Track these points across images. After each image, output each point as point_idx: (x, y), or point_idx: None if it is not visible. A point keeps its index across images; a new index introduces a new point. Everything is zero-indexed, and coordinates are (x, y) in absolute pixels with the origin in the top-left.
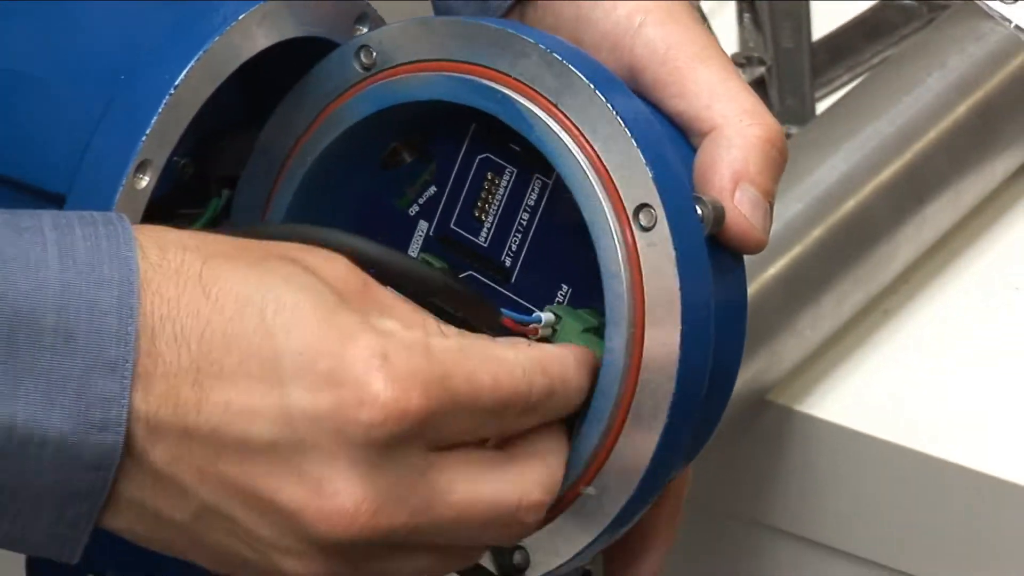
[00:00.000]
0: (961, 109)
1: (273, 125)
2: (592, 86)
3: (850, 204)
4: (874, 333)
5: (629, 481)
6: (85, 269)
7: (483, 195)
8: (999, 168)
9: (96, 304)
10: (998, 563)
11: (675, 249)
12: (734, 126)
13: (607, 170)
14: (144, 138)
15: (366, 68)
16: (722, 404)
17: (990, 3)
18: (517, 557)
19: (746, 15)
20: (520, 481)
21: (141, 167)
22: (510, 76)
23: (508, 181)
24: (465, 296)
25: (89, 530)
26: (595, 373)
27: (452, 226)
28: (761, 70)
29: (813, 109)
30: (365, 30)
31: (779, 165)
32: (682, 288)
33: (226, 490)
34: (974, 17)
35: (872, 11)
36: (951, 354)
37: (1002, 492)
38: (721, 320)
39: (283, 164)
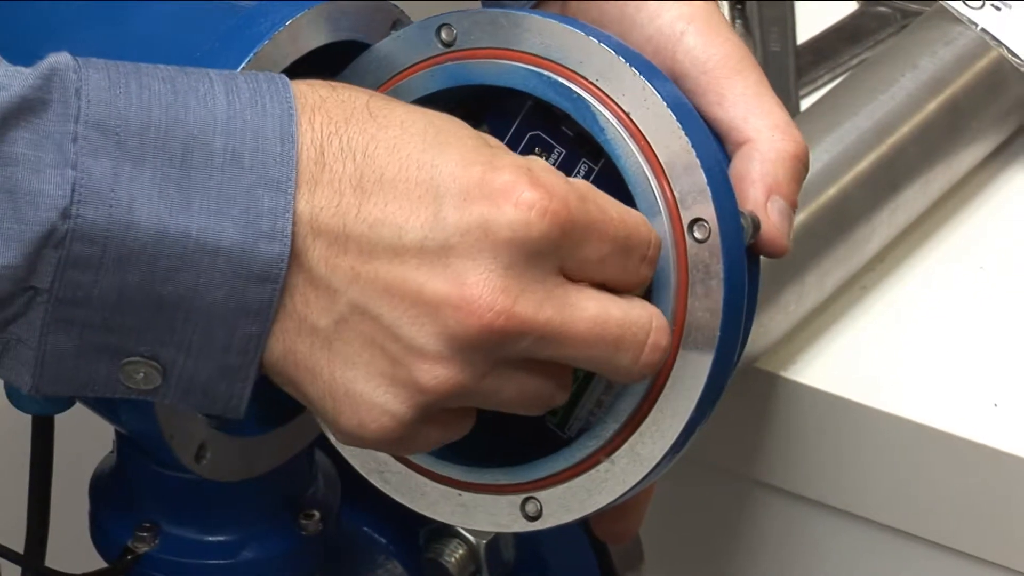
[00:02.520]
0: (931, 106)
1: (344, 81)
2: (663, 101)
3: (831, 191)
4: (852, 307)
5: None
6: (249, 103)
7: None
8: (965, 160)
9: (260, 130)
10: (965, 514)
11: (723, 261)
12: (767, 141)
13: (670, 183)
14: None
15: (446, 44)
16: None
17: (958, 6)
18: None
19: (737, 21)
20: (649, 309)
21: None
22: (586, 79)
23: (556, 160)
24: None
25: (257, 363)
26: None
27: None
28: None
29: (797, 106)
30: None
31: (803, 177)
32: (724, 296)
33: (374, 287)
34: (944, 23)
35: (851, 18)
36: (921, 326)
37: (962, 448)
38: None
39: None
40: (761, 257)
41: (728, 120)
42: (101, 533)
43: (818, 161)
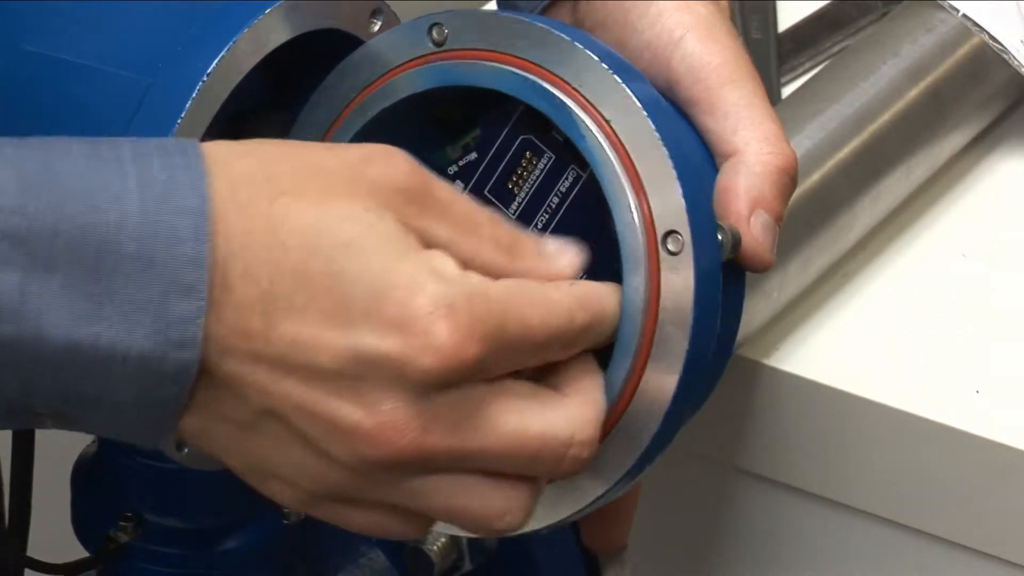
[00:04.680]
0: (913, 93)
1: (333, 80)
2: (644, 110)
3: (813, 178)
4: (835, 295)
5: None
6: (163, 199)
7: (519, 171)
8: (946, 147)
9: (174, 231)
10: (947, 502)
11: (694, 275)
12: (755, 154)
13: (645, 192)
14: (179, 121)
15: (437, 44)
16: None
17: None
18: None
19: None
20: (572, 417)
21: None
22: (570, 85)
23: (545, 165)
24: None
25: (168, 429)
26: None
27: (486, 192)
28: None
29: (779, 93)
30: (380, 23)
31: (791, 191)
32: (695, 309)
33: (286, 404)
34: (925, 10)
35: (832, 5)
36: (904, 314)
37: (944, 435)
38: (722, 328)
39: (339, 116)
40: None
41: (718, 130)
42: (83, 522)
43: (800, 148)
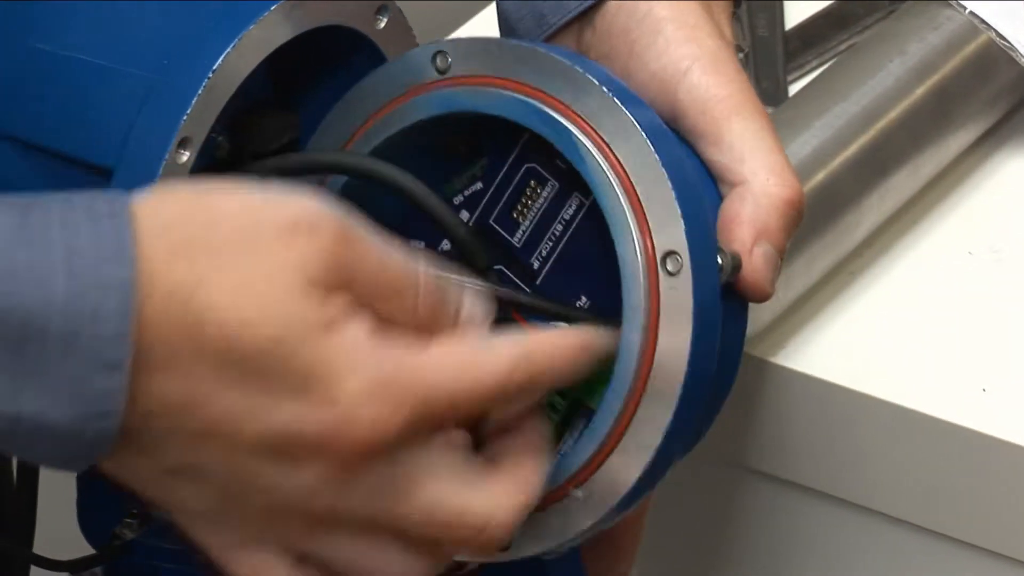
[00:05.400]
0: (919, 91)
1: (341, 107)
2: (644, 134)
3: (820, 176)
4: (841, 293)
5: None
6: (90, 273)
7: (524, 199)
8: (953, 145)
9: (98, 310)
10: (953, 500)
11: (693, 296)
12: (761, 185)
13: (645, 214)
14: (185, 117)
15: (440, 72)
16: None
17: None
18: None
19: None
20: (494, 500)
21: (182, 143)
22: (572, 110)
23: (549, 193)
24: (478, 255)
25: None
26: (596, 352)
27: (491, 221)
28: (740, 56)
29: (786, 91)
30: (385, 20)
31: (796, 224)
32: (694, 331)
33: (207, 466)
34: (932, 8)
35: (839, 3)
36: (910, 312)
37: (950, 432)
38: (723, 349)
39: (347, 141)
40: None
41: (724, 161)
42: (89, 519)
43: (806, 146)
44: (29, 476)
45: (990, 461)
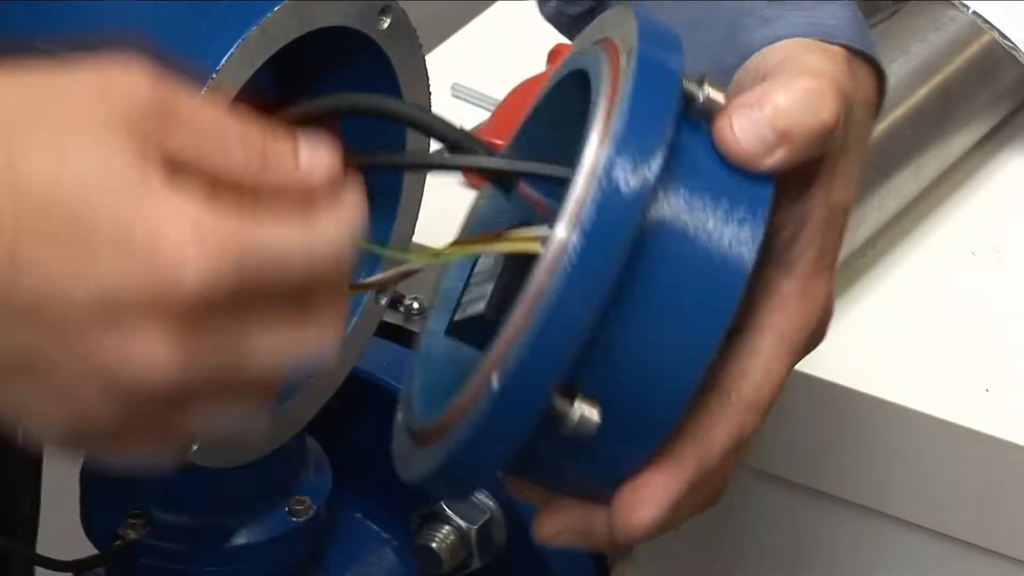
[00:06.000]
0: (923, 92)
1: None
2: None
3: None
4: (844, 293)
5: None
6: None
7: None
8: (957, 145)
9: None
10: (956, 500)
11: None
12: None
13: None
14: None
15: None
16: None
17: None
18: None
19: None
20: (318, 334)
21: None
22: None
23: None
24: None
25: None
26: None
27: None
28: None
29: None
30: (388, 21)
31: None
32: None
33: (40, 350)
34: (934, 8)
35: None
36: (913, 312)
37: (953, 433)
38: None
39: None
40: None
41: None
42: (92, 520)
43: None
44: (33, 476)
45: (992, 461)
